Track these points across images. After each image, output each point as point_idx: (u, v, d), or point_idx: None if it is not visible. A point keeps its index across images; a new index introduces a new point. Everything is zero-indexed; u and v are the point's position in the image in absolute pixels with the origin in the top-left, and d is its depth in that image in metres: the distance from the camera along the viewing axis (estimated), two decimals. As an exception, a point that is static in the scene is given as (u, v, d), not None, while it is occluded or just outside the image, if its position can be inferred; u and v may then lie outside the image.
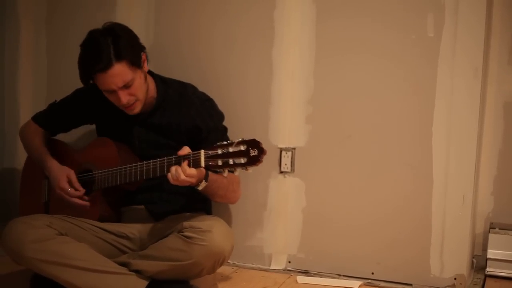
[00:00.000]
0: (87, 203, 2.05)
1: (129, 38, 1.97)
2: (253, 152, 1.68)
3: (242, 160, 1.68)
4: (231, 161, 1.70)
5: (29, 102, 2.76)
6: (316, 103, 2.33)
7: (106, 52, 1.89)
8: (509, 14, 2.38)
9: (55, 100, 2.27)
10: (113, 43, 1.90)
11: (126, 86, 1.94)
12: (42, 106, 2.33)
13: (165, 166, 1.85)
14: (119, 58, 1.90)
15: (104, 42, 1.91)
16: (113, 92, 1.95)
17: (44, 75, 2.75)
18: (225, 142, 1.72)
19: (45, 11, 2.73)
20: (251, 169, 1.70)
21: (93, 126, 2.26)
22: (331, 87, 2.31)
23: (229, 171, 1.72)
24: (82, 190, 2.05)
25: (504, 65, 2.41)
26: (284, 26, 2.34)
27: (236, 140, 1.71)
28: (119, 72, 1.90)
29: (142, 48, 2.02)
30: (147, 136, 2.10)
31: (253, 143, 1.69)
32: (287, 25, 2.33)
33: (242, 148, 1.69)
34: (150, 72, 2.10)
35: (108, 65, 1.89)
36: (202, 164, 1.75)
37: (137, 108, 2.01)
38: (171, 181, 1.80)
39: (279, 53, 2.35)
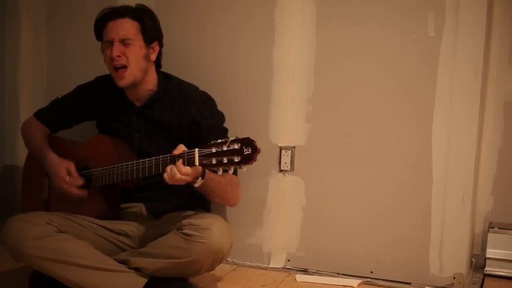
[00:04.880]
0: (84, 193, 2.05)
1: (153, 18, 2.11)
2: (247, 151, 1.67)
3: (236, 159, 1.68)
4: (225, 160, 1.69)
5: (29, 100, 2.77)
6: (316, 102, 2.33)
7: (125, 9, 2.06)
8: (510, 14, 2.38)
9: (57, 97, 2.28)
10: (135, 9, 2.07)
11: (124, 42, 2.01)
12: (42, 104, 2.34)
13: (160, 165, 1.85)
14: (133, 17, 2.04)
15: (128, 6, 2.10)
16: (110, 45, 2.02)
17: (44, 72, 2.76)
18: (219, 141, 1.71)
19: (46, 9, 2.74)
20: (246, 168, 1.69)
21: (94, 123, 2.26)
22: (331, 86, 2.31)
23: (223, 169, 1.72)
24: (80, 182, 2.06)
25: (504, 64, 2.41)
26: (285, 25, 2.34)
27: (230, 139, 1.70)
28: (126, 26, 2.03)
29: (159, 36, 2.12)
30: (146, 130, 2.11)
31: (247, 142, 1.68)
32: (288, 24, 2.33)
33: (236, 146, 1.68)
34: (156, 69, 2.13)
35: (120, 15, 2.03)
36: (197, 163, 1.74)
37: (126, 78, 2.04)
38: (167, 180, 1.81)
39: (280, 52, 2.35)
